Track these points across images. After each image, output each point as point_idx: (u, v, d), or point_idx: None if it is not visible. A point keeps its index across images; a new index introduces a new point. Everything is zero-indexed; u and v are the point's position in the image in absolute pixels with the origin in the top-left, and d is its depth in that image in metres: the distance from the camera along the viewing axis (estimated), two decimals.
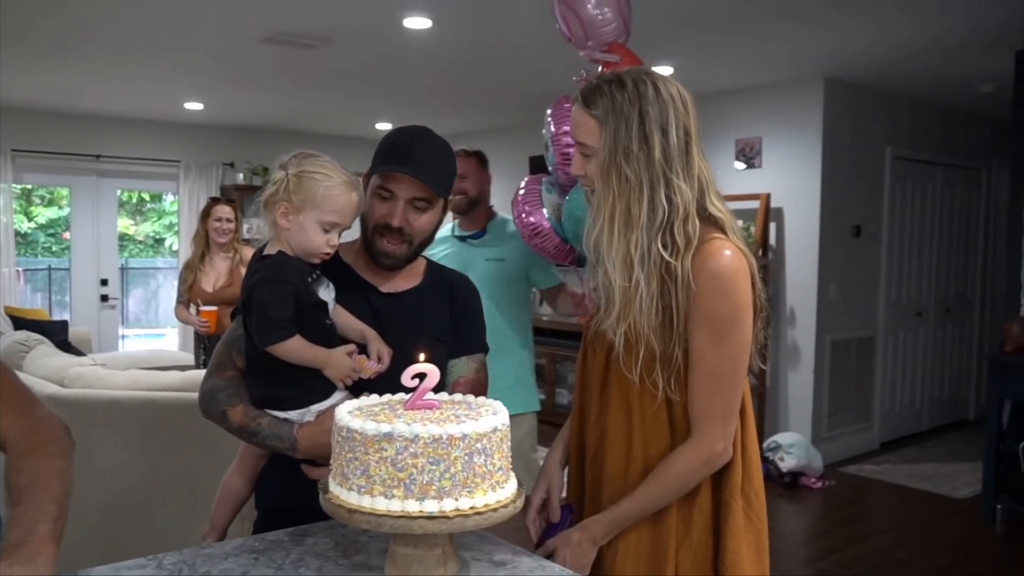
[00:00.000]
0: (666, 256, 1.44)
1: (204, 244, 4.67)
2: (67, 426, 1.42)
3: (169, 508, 3.24)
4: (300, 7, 4.05)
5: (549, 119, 2.43)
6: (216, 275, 4.60)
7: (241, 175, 7.94)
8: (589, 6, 2.17)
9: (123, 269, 8.17)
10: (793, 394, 5.77)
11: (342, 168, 1.61)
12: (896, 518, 4.83)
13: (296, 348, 1.54)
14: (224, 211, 4.67)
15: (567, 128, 2.27)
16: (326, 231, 1.58)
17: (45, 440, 1.34)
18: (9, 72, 5.56)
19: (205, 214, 4.72)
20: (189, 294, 4.60)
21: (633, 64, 2.24)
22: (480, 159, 3.30)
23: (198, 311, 4.49)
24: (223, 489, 1.85)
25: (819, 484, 5.29)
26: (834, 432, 5.90)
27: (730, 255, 1.45)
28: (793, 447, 5.26)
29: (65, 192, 8.04)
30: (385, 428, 1.23)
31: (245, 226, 7.83)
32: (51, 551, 1.18)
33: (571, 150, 2.22)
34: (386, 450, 1.23)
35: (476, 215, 3.26)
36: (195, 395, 3.25)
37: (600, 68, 2.24)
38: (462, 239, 3.26)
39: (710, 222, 1.49)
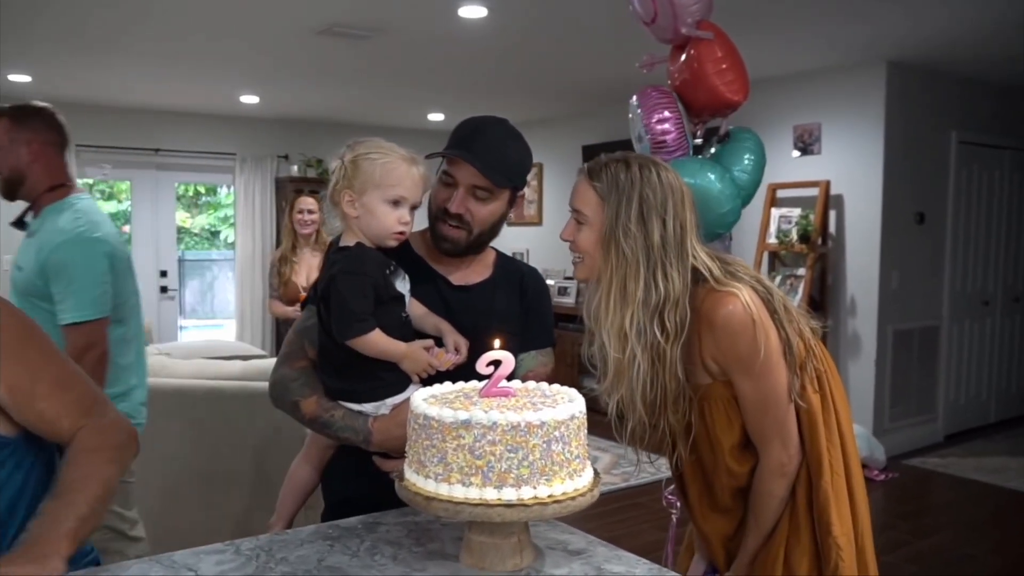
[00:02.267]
0: (659, 338, 1.54)
1: (292, 237, 4.68)
2: (134, 433, 1.42)
3: (231, 495, 3.29)
4: None
5: (638, 110, 2.37)
6: (308, 270, 4.56)
7: (296, 167, 8.02)
8: None
9: (180, 261, 8.33)
10: (854, 385, 5.64)
11: (398, 146, 1.60)
12: (963, 512, 4.70)
13: (376, 341, 1.52)
14: (307, 203, 4.66)
15: (658, 116, 2.25)
16: (394, 206, 1.56)
17: (107, 444, 1.35)
18: (72, 69, 5.69)
19: (290, 207, 4.73)
20: (285, 289, 4.53)
21: (722, 39, 2.20)
22: (13, 119, 2.37)
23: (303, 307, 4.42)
24: (290, 479, 1.85)
25: (882, 476, 5.17)
26: (896, 424, 5.76)
27: (736, 300, 1.53)
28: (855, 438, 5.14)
29: (124, 186, 8.21)
30: (463, 415, 1.22)
31: None
32: (66, 550, 1.16)
33: (666, 137, 2.19)
34: (464, 437, 1.21)
35: (28, 197, 2.40)
36: (258, 384, 3.30)
37: (690, 52, 2.19)
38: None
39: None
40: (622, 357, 1.57)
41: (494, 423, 1.20)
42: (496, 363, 1.30)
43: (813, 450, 1.60)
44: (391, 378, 1.57)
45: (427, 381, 1.56)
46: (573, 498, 1.25)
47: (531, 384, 1.43)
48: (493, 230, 1.76)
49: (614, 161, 1.61)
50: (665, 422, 1.60)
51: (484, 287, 1.80)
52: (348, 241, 1.59)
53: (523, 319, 1.80)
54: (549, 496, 1.23)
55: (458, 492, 1.22)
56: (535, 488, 1.22)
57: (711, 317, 1.54)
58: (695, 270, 1.57)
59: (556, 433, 1.24)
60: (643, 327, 1.55)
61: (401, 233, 1.59)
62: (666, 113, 2.19)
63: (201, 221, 11.37)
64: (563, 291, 7.57)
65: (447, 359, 1.58)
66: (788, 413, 1.59)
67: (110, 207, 10.40)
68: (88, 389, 1.42)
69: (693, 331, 1.56)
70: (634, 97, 2.38)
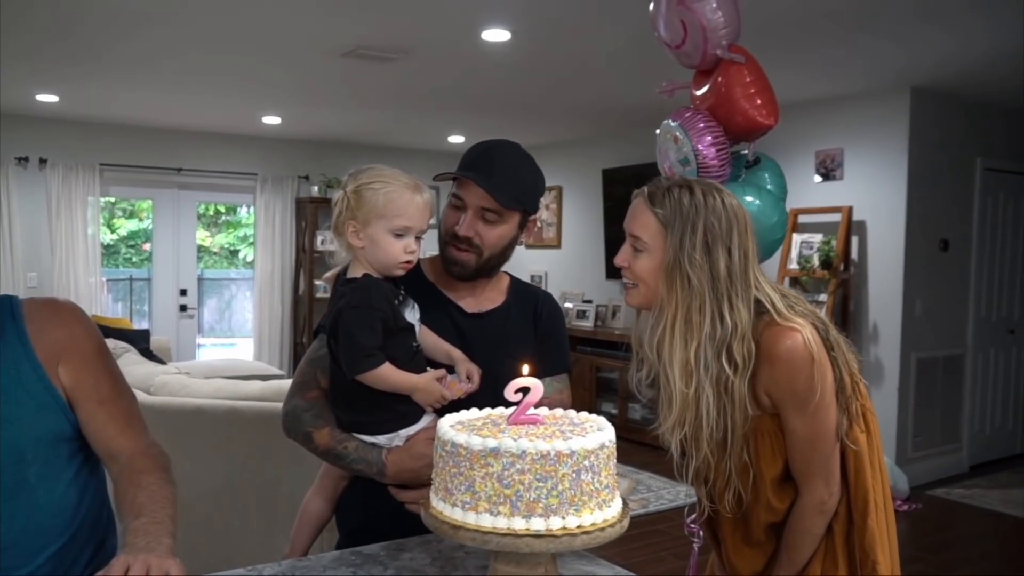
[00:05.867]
0: (728, 371, 1.47)
1: None
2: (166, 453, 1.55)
3: (248, 517, 3.27)
4: (381, 21, 4.08)
5: (679, 133, 2.32)
6: None
7: (316, 188, 8.07)
8: (708, 9, 2.12)
9: (199, 280, 8.37)
10: (877, 413, 5.54)
11: (401, 172, 1.56)
12: (990, 546, 4.60)
13: (386, 375, 1.49)
14: None
15: (707, 141, 2.21)
16: (399, 236, 1.52)
17: (159, 465, 1.47)
18: (98, 90, 5.75)
19: None
20: None
21: (751, 63, 2.19)
22: None
23: None
24: (303, 511, 1.82)
25: (905, 507, 5.08)
26: (920, 453, 5.67)
27: (798, 336, 1.48)
28: None
29: (145, 205, 8.28)
30: (491, 443, 1.19)
31: (319, 238, 7.98)
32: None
33: (714, 163, 2.17)
34: (492, 466, 1.19)
35: None
36: (277, 405, 3.29)
37: (718, 78, 2.18)
38: None
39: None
40: (688, 392, 1.50)
41: (523, 451, 1.18)
42: (524, 390, 1.28)
43: (860, 489, 1.56)
44: (404, 409, 1.54)
45: (441, 411, 1.53)
46: (602, 529, 1.22)
47: (559, 411, 1.40)
48: (503, 254, 1.74)
49: (676, 186, 1.54)
50: (729, 460, 1.53)
51: (497, 313, 1.77)
52: (355, 272, 1.55)
53: (537, 345, 1.78)
54: (578, 527, 1.20)
55: (486, 521, 1.19)
56: (564, 518, 1.19)
57: (771, 350, 1.48)
58: (757, 302, 1.52)
59: (586, 463, 1.21)
60: (709, 361, 1.48)
61: (408, 262, 1.56)
62: (713, 138, 2.17)
63: (220, 240, 11.44)
64: (582, 314, 7.53)
65: (460, 388, 1.55)
66: (834, 452, 1.54)
67: (131, 225, 10.51)
68: (134, 404, 1.57)
69: None
70: (671, 121, 2.35)
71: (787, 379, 1.48)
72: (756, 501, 1.61)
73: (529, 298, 1.84)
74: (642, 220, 1.54)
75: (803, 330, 1.48)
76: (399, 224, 1.51)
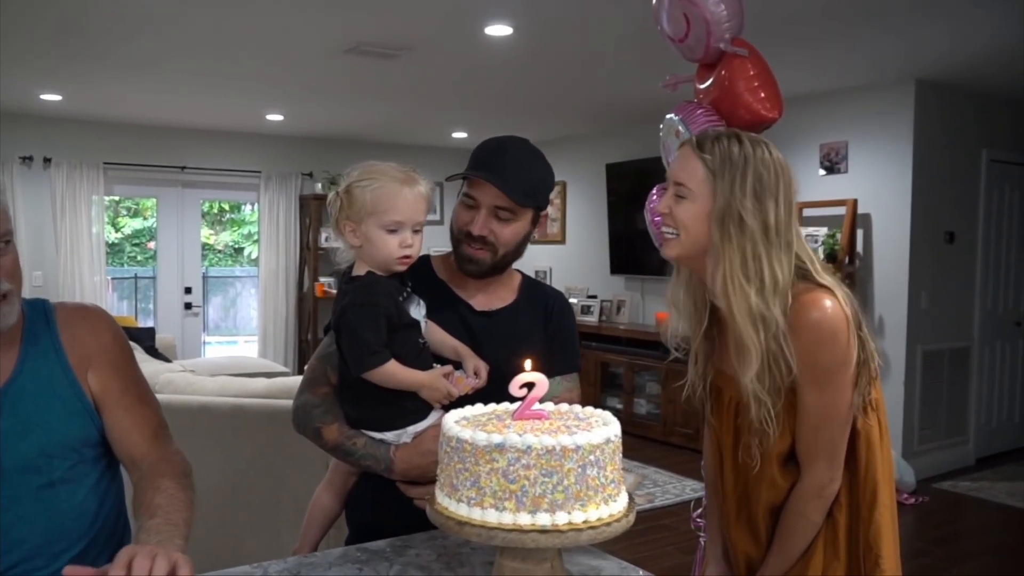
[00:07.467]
0: (780, 322, 1.44)
1: None
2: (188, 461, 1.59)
3: (254, 514, 3.28)
4: (383, 17, 4.08)
5: (680, 127, 2.30)
6: None
7: (319, 185, 8.07)
8: (711, 3, 2.10)
9: (204, 277, 8.39)
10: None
11: (393, 166, 1.54)
12: (998, 539, 4.59)
13: (392, 372, 1.49)
14: None
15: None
16: (392, 232, 1.51)
17: (180, 471, 1.51)
18: (101, 88, 5.76)
19: None
20: None
21: (755, 56, 2.17)
22: None
23: None
24: (313, 507, 1.82)
25: (912, 500, 5.07)
26: (926, 446, 5.66)
27: (830, 305, 1.45)
28: None
29: (149, 203, 8.29)
30: (496, 439, 1.19)
31: (323, 235, 7.99)
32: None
33: None
34: (497, 461, 1.19)
35: None
36: (282, 402, 3.29)
37: (721, 71, 2.16)
38: None
39: (819, 288, 1.50)
40: (760, 340, 1.45)
41: (529, 447, 1.17)
42: (529, 385, 1.28)
43: (869, 479, 1.53)
44: (411, 406, 1.54)
45: (449, 408, 1.53)
46: (608, 524, 1.22)
47: (564, 406, 1.40)
48: (517, 251, 1.74)
49: (725, 136, 1.52)
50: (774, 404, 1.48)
51: (507, 312, 1.77)
52: (359, 271, 1.55)
53: (547, 344, 1.77)
54: (584, 522, 1.20)
55: (491, 517, 1.19)
56: (570, 513, 1.19)
57: (799, 319, 1.45)
58: (797, 257, 1.50)
59: (591, 457, 1.21)
60: (767, 310, 1.45)
61: (406, 257, 1.54)
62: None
63: (225, 238, 11.46)
64: (587, 309, 7.53)
65: (467, 383, 1.55)
66: (843, 435, 1.50)
67: (135, 223, 10.53)
68: (159, 412, 1.60)
69: None
70: (673, 115, 2.33)
71: (811, 352, 1.44)
72: (760, 477, 1.57)
73: (540, 297, 1.84)
74: (689, 167, 1.52)
75: (837, 298, 1.45)
76: (390, 220, 1.50)
